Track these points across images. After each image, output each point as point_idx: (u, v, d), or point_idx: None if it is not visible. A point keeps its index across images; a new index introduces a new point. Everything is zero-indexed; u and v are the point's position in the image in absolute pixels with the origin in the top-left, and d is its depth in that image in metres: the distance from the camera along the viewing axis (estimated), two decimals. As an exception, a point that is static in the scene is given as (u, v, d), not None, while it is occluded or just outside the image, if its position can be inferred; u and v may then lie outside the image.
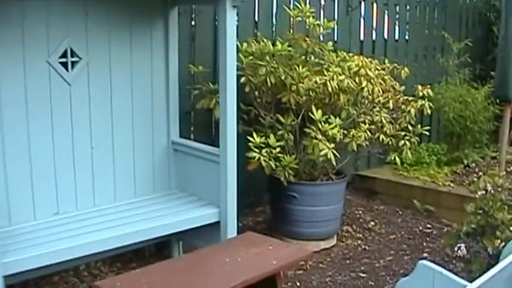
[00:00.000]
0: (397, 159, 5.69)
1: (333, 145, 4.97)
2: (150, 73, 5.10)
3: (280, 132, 5.28)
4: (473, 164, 7.43)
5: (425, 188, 6.95)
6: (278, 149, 5.07)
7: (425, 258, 5.66)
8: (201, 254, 3.97)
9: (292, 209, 5.65)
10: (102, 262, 5.20)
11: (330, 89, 4.95)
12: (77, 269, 5.04)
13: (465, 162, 7.43)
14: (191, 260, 3.83)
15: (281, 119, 5.34)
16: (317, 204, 5.64)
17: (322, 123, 4.97)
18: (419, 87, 5.82)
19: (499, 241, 4.18)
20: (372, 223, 6.52)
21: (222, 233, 4.87)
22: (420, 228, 6.46)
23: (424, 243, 6.04)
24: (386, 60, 5.99)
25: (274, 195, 5.89)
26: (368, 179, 7.50)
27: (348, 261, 5.58)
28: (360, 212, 6.88)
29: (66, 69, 4.56)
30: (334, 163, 5.10)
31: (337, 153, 5.02)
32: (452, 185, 6.92)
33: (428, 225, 6.53)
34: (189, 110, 5.71)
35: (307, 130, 5.10)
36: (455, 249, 4.42)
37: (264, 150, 5.04)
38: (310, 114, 5.09)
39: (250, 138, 4.99)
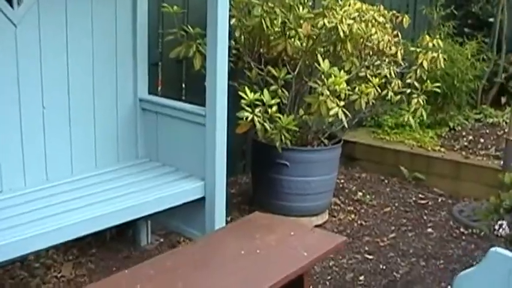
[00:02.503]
0: (411, 120, 4.86)
1: (342, 103, 4.09)
2: (114, 12, 4.05)
3: (272, 88, 4.35)
4: (459, 128, 6.73)
5: (414, 153, 6.20)
6: (275, 108, 4.14)
7: (430, 234, 4.93)
8: (205, 245, 3.03)
9: (281, 179, 4.78)
10: (55, 249, 4.17)
11: (341, 34, 4.03)
12: (25, 260, 3.99)
13: (450, 125, 6.72)
14: (195, 254, 2.88)
15: (274, 72, 4.39)
16: (311, 174, 4.79)
17: (329, 77, 4.06)
18: (427, 37, 4.98)
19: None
20: (360, 194, 5.73)
21: (208, 212, 3.96)
22: (413, 199, 5.73)
23: (424, 217, 5.31)
24: (382, 7, 5.11)
25: (258, 163, 4.99)
26: (346, 144, 6.62)
27: (348, 240, 4.75)
28: (342, 181, 6.06)
29: (11, 5, 3.49)
30: (346, 124, 4.22)
31: (347, 113, 4.15)
32: (442, 149, 6.20)
33: (421, 196, 5.80)
34: (156, 62, 4.68)
35: (312, 85, 4.19)
36: (496, 227, 3.65)
37: (257, 110, 4.10)
38: (306, 66, 4.17)
39: (243, 95, 4.03)
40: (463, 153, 6.10)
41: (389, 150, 6.32)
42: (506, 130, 6.54)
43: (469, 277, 2.98)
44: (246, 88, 4.10)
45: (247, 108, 4.07)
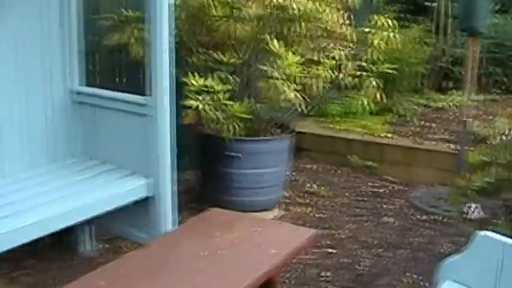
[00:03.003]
0: (365, 104, 4.59)
1: (297, 86, 3.79)
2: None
3: (220, 74, 4.01)
4: (408, 113, 6.54)
5: (364, 141, 5.97)
6: (226, 95, 3.80)
7: (390, 223, 4.70)
8: (159, 248, 2.67)
9: (232, 173, 4.46)
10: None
11: (293, 13, 3.72)
12: None
13: (399, 111, 6.52)
14: (150, 259, 2.51)
15: (221, 57, 4.05)
16: (263, 166, 4.48)
17: (281, 59, 3.75)
18: (376, 16, 4.73)
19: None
20: (312, 185, 5.46)
21: (156, 212, 3.61)
22: (367, 188, 5.49)
23: (379, 206, 5.07)
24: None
25: (206, 157, 4.63)
26: (293, 135, 6.39)
27: (305, 235, 4.46)
28: (293, 173, 5.76)
29: None
30: (304, 108, 3.93)
31: (302, 97, 3.85)
32: (394, 136, 5.99)
33: (375, 184, 5.57)
34: (93, 50, 4.27)
35: (264, 68, 3.87)
36: (466, 210, 3.43)
37: (206, 97, 3.75)
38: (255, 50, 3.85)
39: (189, 81, 3.67)
40: (415, 138, 5.91)
41: (339, 139, 6.08)
42: (453, 114, 6.42)
43: (454, 265, 2.74)
44: (193, 74, 3.74)
45: (194, 96, 3.71)
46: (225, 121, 3.85)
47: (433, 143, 5.79)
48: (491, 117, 6.24)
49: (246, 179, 4.45)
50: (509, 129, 3.38)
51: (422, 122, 6.28)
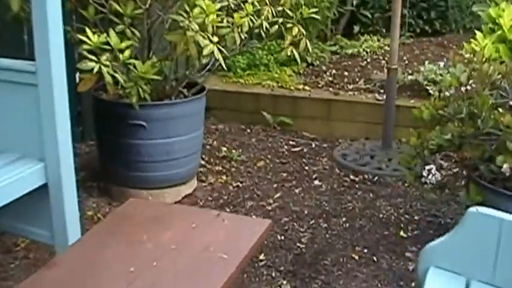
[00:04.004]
0: (296, 54, 4.00)
1: (216, 38, 3.13)
2: None
3: (119, 28, 3.27)
4: (317, 62, 6.03)
5: (275, 95, 5.42)
6: (127, 53, 3.09)
7: (319, 187, 4.21)
8: (71, 264, 1.97)
9: (137, 145, 3.78)
10: None
11: None
12: None
13: (308, 60, 5.99)
14: (61, 281, 1.82)
15: (117, 7, 3.31)
16: (174, 134, 3.82)
17: (195, 7, 3.07)
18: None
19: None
20: (224, 149, 4.86)
21: (55, 202, 2.88)
22: (285, 147, 4.97)
23: (306, 167, 4.57)
24: None
25: (104, 127, 3.91)
26: (196, 93, 5.72)
27: (228, 210, 3.89)
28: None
29: None
30: (224, 65, 3.29)
31: (223, 50, 3.21)
32: (307, 88, 5.48)
33: (293, 143, 5.06)
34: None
35: (175, 18, 3.17)
36: (424, 173, 2.96)
37: (104, 57, 3.02)
38: None
39: (83, 38, 2.92)
40: (330, 89, 5.43)
41: (247, 94, 5.49)
42: (368, 60, 5.98)
43: (439, 249, 2.26)
44: (87, 29, 2.99)
45: (90, 56, 2.97)
46: (126, 84, 3.13)
47: (350, 93, 5.32)
48: (407, 62, 5.88)
49: (154, 150, 3.78)
50: (468, 78, 2.90)
51: (335, 71, 5.79)
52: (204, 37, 3.08)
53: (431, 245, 2.28)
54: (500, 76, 2.89)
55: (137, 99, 3.29)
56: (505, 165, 2.71)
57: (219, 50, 3.20)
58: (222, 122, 5.47)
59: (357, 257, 3.36)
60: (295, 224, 3.71)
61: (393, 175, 4.34)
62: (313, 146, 4.99)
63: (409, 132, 4.91)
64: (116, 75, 3.10)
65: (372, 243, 3.50)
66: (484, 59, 2.90)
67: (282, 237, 3.54)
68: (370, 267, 3.26)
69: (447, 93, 2.98)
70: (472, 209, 2.15)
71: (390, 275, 3.19)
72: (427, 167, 2.99)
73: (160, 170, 3.86)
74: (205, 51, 3.12)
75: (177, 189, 3.98)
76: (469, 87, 2.87)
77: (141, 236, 2.07)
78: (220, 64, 3.44)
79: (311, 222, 3.73)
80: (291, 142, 5.08)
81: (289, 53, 3.89)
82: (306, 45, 3.89)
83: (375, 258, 3.35)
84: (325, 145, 5.02)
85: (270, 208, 3.92)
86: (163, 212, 2.26)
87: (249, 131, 5.33)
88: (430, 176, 2.97)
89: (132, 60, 3.18)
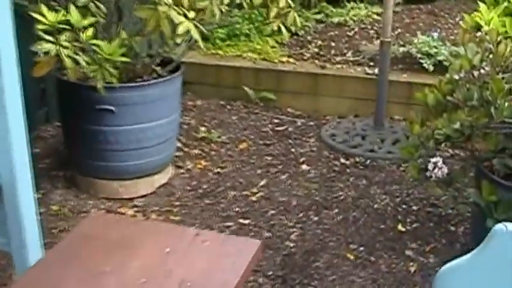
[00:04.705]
0: (283, 29, 3.60)
1: (192, 13, 2.73)
2: None
3: (82, 2, 2.85)
4: (302, 32, 5.61)
5: (258, 68, 5.02)
6: (90, 32, 2.67)
7: (307, 173, 3.85)
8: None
9: (105, 132, 3.38)
10: None
11: None
12: None
13: (292, 29, 5.55)
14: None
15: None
16: (147, 119, 3.43)
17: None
18: None
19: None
20: (203, 129, 4.48)
21: (9, 206, 2.49)
22: (269, 126, 4.60)
23: (292, 150, 4.22)
24: None
25: (69, 111, 3.50)
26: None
27: (208, 201, 3.53)
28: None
29: None
30: (202, 45, 2.89)
31: (201, 27, 2.81)
32: (291, 60, 5.08)
33: (278, 121, 4.69)
34: None
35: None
36: (430, 166, 2.61)
37: (63, 37, 2.60)
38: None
39: (38, 17, 2.50)
40: (317, 62, 5.04)
41: (227, 67, 5.09)
42: (355, 30, 5.58)
43: (456, 274, 1.90)
44: (42, 6, 2.56)
45: (47, 37, 2.55)
46: (90, 67, 2.72)
47: (338, 66, 4.94)
48: (397, 32, 5.49)
49: (124, 138, 3.40)
50: (481, 60, 2.53)
51: (321, 42, 5.39)
52: (179, 12, 2.67)
53: (448, 267, 1.93)
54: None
55: (102, 84, 2.87)
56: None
57: (196, 26, 2.79)
58: (200, 98, 5.07)
59: (352, 257, 3.02)
60: (282, 217, 3.36)
61: (387, 158, 4.00)
62: (299, 124, 4.62)
63: (403, 109, 4.60)
64: (78, 57, 2.68)
65: (368, 239, 3.17)
66: (498, 39, 2.53)
67: (269, 234, 3.19)
68: (367, 269, 2.94)
69: (456, 77, 2.61)
70: (499, 227, 1.80)
71: (390, 279, 2.87)
72: (432, 160, 2.63)
73: (132, 159, 3.48)
74: (180, 29, 2.71)
75: (151, 179, 3.60)
76: (482, 71, 2.51)
77: (104, 266, 1.70)
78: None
79: (300, 215, 3.38)
80: (274, 120, 4.70)
81: (275, 28, 3.48)
82: (295, 19, 3.48)
83: (372, 258, 3.02)
84: (311, 123, 4.65)
85: (254, 199, 3.56)
86: (131, 232, 1.88)
87: (229, 107, 4.94)
88: (436, 170, 2.62)
89: (95, 41, 2.76)
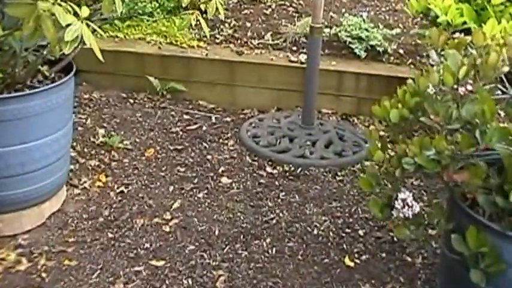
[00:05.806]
0: (203, 24, 2.96)
1: (86, 11, 2.03)
2: None
3: None
4: (211, 9, 4.90)
5: (164, 55, 4.34)
6: None
7: (230, 188, 3.26)
8: None
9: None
10: None
11: None
12: None
13: (202, 7, 4.86)
14: None
15: None
16: (33, 137, 2.72)
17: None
18: None
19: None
20: (102, 131, 3.79)
21: None
22: (178, 124, 3.97)
23: (208, 156, 3.60)
24: None
25: None
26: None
27: (110, 235, 2.86)
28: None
29: None
30: (100, 55, 2.20)
31: (96, 27, 2.12)
32: (202, 45, 4.42)
33: (189, 117, 4.07)
34: None
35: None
36: (398, 205, 2.07)
37: None
38: None
39: None
40: (232, 46, 4.41)
41: (129, 53, 4.37)
42: (273, 7, 4.96)
43: None
44: None
45: None
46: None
47: (257, 51, 4.33)
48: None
49: (5, 162, 2.69)
50: (466, 73, 1.98)
51: (235, 21, 4.74)
52: (67, 10, 1.95)
53: None
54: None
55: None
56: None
57: (88, 25, 2.08)
58: (97, 89, 4.36)
59: (294, 308, 2.46)
60: (204, 254, 2.76)
61: (320, 165, 3.46)
62: (214, 120, 4.02)
63: (332, 101, 4.06)
64: None
65: (312, 281, 2.61)
66: (485, 43, 1.99)
67: (190, 282, 2.57)
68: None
69: (429, 91, 2.06)
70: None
71: None
72: (400, 196, 2.08)
73: (15, 187, 2.76)
74: (67, 36, 1.99)
75: (39, 208, 2.88)
76: (469, 87, 1.97)
77: None
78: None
79: (226, 250, 2.79)
80: (185, 116, 4.07)
81: (193, 22, 2.83)
82: (217, 9, 2.84)
83: (318, 307, 2.47)
84: (228, 119, 4.05)
85: (167, 229, 2.92)
86: None
87: (131, 101, 4.25)
88: (405, 209, 2.07)
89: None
